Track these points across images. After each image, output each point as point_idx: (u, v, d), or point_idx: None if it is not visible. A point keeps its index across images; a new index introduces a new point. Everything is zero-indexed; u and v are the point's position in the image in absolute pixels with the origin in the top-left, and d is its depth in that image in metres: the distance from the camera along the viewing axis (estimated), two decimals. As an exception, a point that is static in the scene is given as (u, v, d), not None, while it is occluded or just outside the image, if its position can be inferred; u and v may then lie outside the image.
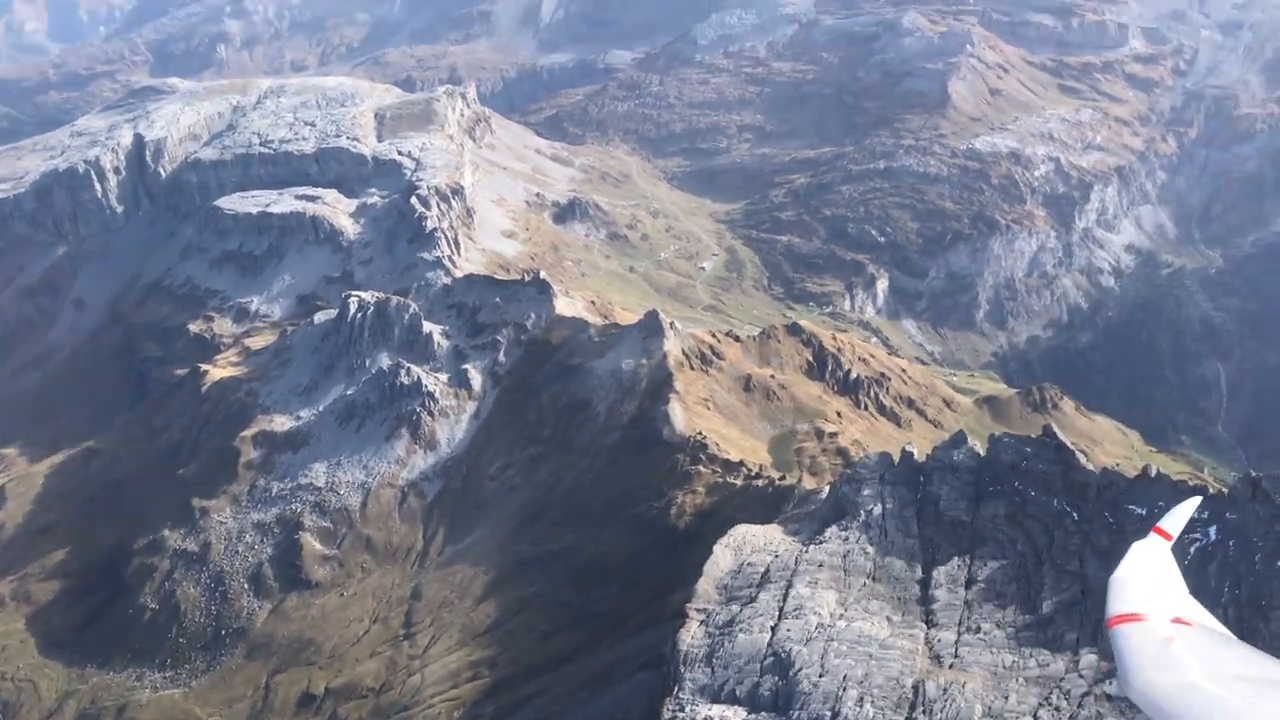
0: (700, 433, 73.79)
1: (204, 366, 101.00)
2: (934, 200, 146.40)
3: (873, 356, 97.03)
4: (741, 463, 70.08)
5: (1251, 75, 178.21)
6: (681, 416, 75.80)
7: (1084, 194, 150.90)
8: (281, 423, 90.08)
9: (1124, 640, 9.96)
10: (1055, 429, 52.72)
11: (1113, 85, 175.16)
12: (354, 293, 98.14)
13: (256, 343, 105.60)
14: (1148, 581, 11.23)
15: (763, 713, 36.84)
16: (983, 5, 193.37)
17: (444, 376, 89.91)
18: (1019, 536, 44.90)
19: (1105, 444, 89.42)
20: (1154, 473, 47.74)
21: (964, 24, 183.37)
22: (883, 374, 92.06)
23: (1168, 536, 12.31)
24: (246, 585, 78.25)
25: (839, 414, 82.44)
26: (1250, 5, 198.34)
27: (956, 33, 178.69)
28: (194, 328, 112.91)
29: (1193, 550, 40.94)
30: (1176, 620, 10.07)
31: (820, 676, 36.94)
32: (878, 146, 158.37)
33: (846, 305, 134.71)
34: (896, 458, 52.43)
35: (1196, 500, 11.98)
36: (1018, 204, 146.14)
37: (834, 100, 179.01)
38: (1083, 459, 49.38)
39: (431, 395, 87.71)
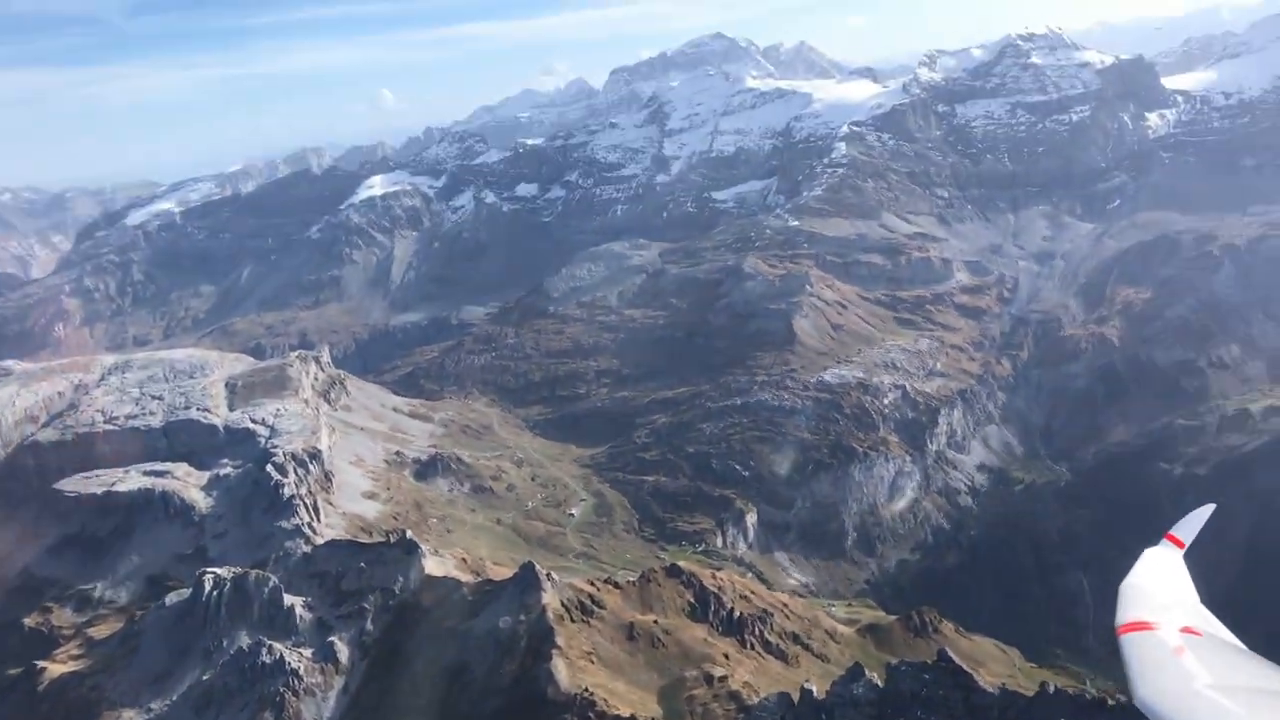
0: (586, 689, 70.03)
1: (41, 664, 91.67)
2: (792, 432, 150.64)
3: (753, 593, 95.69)
4: (633, 718, 66.48)
5: (1070, 299, 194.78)
6: (565, 674, 72.04)
7: (932, 418, 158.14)
8: (131, 718, 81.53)
9: (1133, 649, 9.39)
10: (950, 653, 52.12)
11: (945, 315, 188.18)
12: (208, 570, 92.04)
13: (100, 632, 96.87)
14: (1158, 589, 10.65)
15: None
16: (816, 249, 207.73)
17: (308, 652, 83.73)
18: (931, 770, 43.21)
19: (989, 664, 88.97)
20: (1051, 689, 47.32)
21: (801, 266, 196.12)
22: (765, 610, 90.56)
23: (1180, 544, 11.86)
24: None
25: (726, 656, 79.92)
26: (1057, 237, 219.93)
27: (795, 275, 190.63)
28: (29, 621, 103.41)
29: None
30: (1186, 630, 9.54)
31: None
32: (733, 383, 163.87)
33: (719, 542, 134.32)
34: (795, 697, 50.62)
35: (1211, 507, 11.71)
36: (871, 431, 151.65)
37: (686, 342, 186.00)
38: (979, 680, 48.69)
39: (295, 673, 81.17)
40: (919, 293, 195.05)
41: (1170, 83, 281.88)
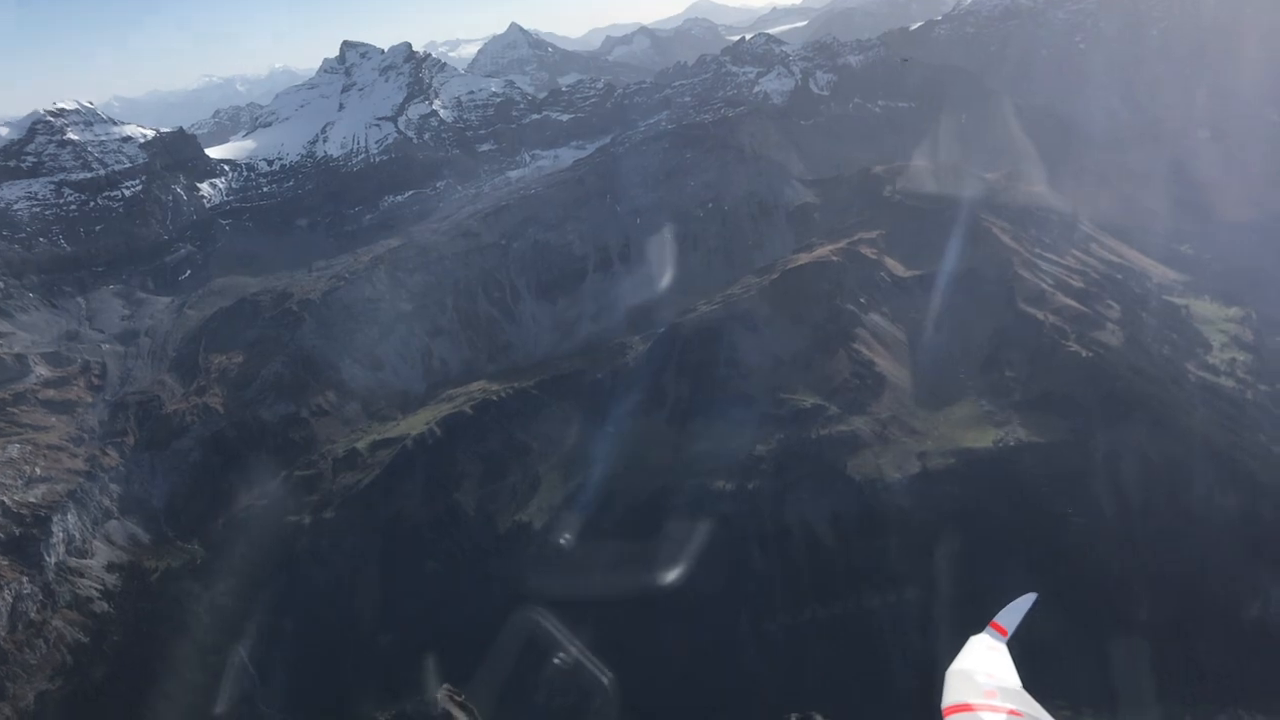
0: None
1: None
2: None
3: None
4: None
5: (165, 375, 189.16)
6: None
7: (44, 529, 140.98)
8: None
9: None
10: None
11: (33, 415, 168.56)
12: None
13: None
14: (983, 674, 11.06)
15: None
16: None
17: None
18: None
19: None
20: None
21: None
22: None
23: (1003, 632, 12.32)
24: None
25: None
26: (137, 314, 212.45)
27: None
28: None
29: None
30: (1011, 713, 10.18)
31: None
32: None
33: None
34: None
35: (1032, 596, 12.20)
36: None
37: None
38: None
39: None
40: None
41: (214, 153, 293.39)
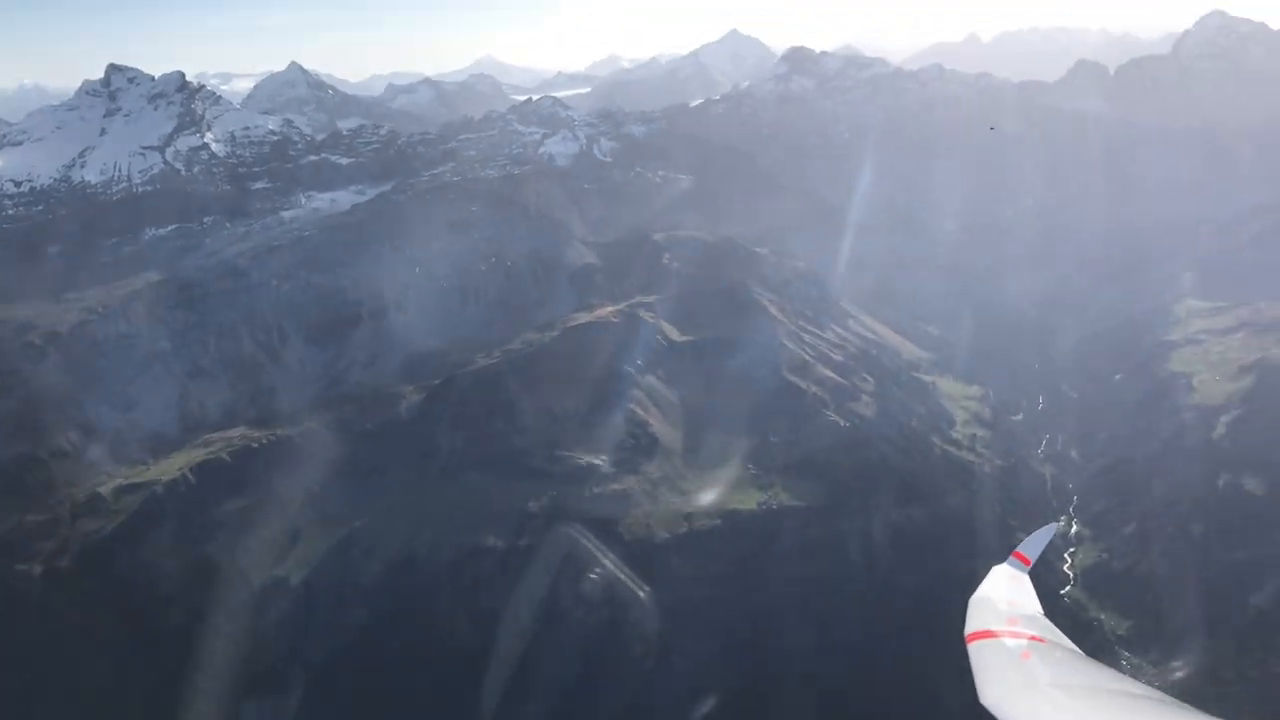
0: None
1: None
2: None
3: None
4: None
5: None
6: None
7: None
8: None
9: (980, 655, 9.66)
10: None
11: None
12: None
13: None
14: (1005, 601, 10.83)
15: None
16: None
17: None
18: None
19: None
20: None
21: None
22: None
23: (1026, 561, 12.03)
24: None
25: None
26: None
27: None
28: None
29: None
30: (1032, 638, 10.08)
31: None
32: None
33: None
34: None
35: (1055, 526, 12.00)
36: None
37: None
38: None
39: None
40: None
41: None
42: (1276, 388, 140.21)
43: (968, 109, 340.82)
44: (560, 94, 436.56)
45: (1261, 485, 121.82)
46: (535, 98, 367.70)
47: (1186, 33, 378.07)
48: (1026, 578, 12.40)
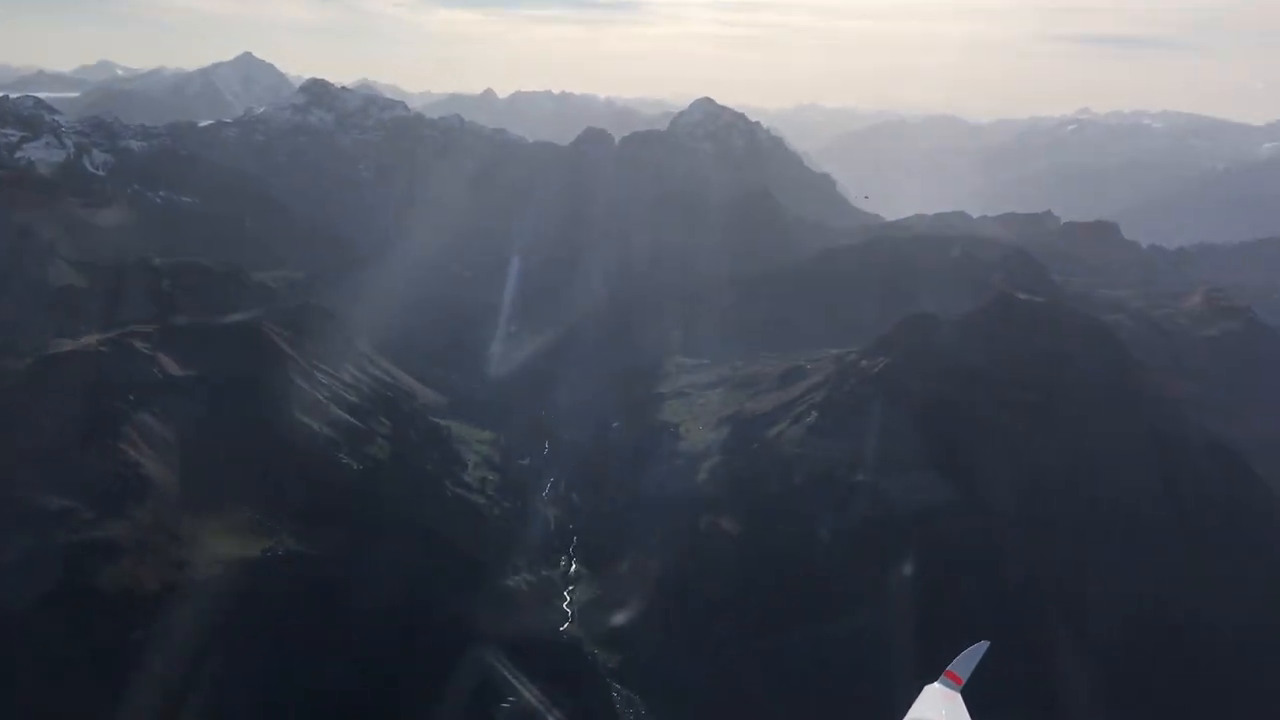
0: None
1: None
2: None
3: None
4: None
5: None
6: None
7: None
8: None
9: None
10: None
11: None
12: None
13: None
14: None
15: None
16: None
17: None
18: None
19: None
20: None
21: None
22: None
23: (958, 680, 10.26)
24: None
25: None
26: None
27: None
28: None
29: None
30: None
31: None
32: None
33: None
34: None
35: (985, 644, 10.47)
36: None
37: None
38: None
39: None
40: None
41: None
42: (748, 437, 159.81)
43: (484, 162, 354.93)
44: (45, 95, 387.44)
45: (736, 525, 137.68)
46: (13, 95, 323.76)
47: (681, 113, 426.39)
48: (959, 697, 12.32)
